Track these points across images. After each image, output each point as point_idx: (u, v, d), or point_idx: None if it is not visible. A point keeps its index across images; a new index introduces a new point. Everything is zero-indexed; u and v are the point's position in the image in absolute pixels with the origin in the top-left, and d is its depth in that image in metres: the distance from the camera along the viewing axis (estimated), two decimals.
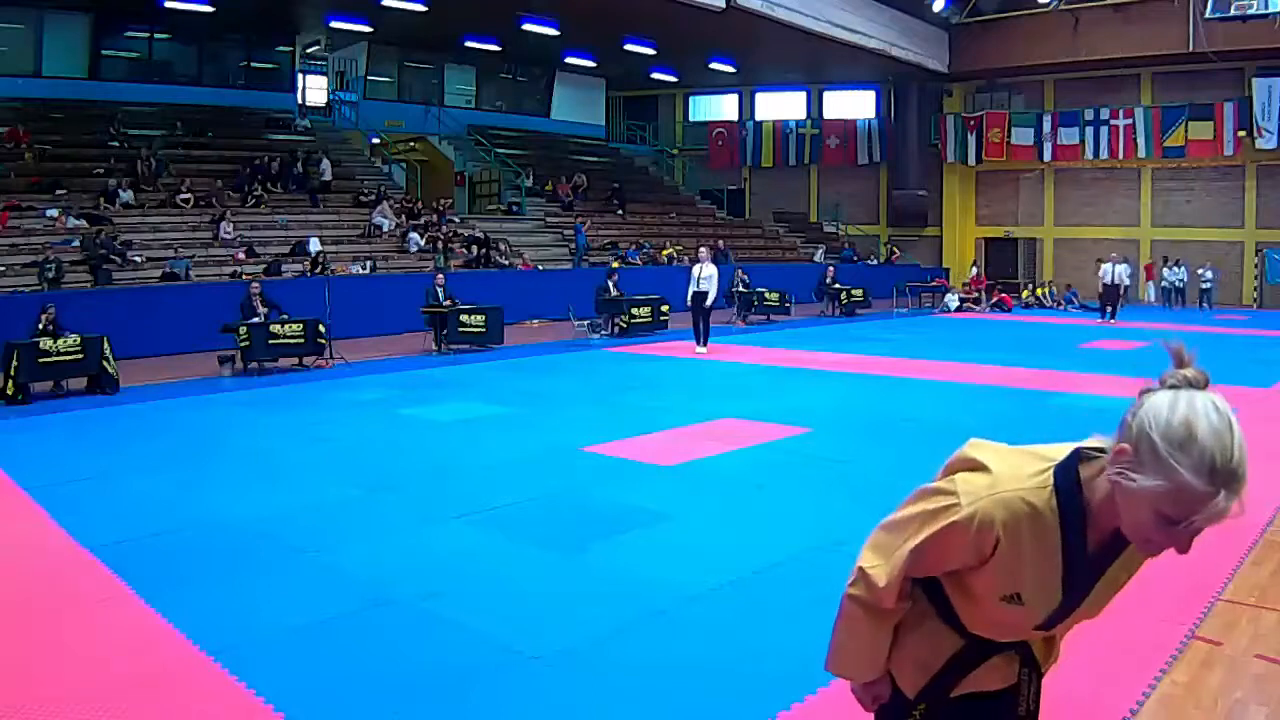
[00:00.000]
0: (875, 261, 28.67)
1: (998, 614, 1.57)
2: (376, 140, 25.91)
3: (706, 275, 14.54)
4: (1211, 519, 1.31)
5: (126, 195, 17.55)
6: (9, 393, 10.18)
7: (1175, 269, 24.78)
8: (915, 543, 1.54)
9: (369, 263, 18.29)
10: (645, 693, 3.52)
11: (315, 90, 26.20)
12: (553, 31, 22.81)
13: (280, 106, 23.45)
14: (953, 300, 24.21)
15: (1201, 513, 1.30)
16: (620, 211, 26.27)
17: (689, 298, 14.68)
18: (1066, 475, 1.45)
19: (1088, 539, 1.46)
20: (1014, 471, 1.48)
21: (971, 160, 28.15)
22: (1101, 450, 1.44)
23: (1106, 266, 20.67)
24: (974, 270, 26.49)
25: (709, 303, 14.46)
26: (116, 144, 19.15)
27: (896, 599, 1.60)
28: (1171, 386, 1.35)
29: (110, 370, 10.87)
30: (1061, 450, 1.50)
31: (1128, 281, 20.76)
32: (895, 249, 29.44)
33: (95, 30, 20.65)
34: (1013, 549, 1.45)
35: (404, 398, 10.45)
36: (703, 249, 16.10)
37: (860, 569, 1.62)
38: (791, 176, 32.13)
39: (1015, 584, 1.50)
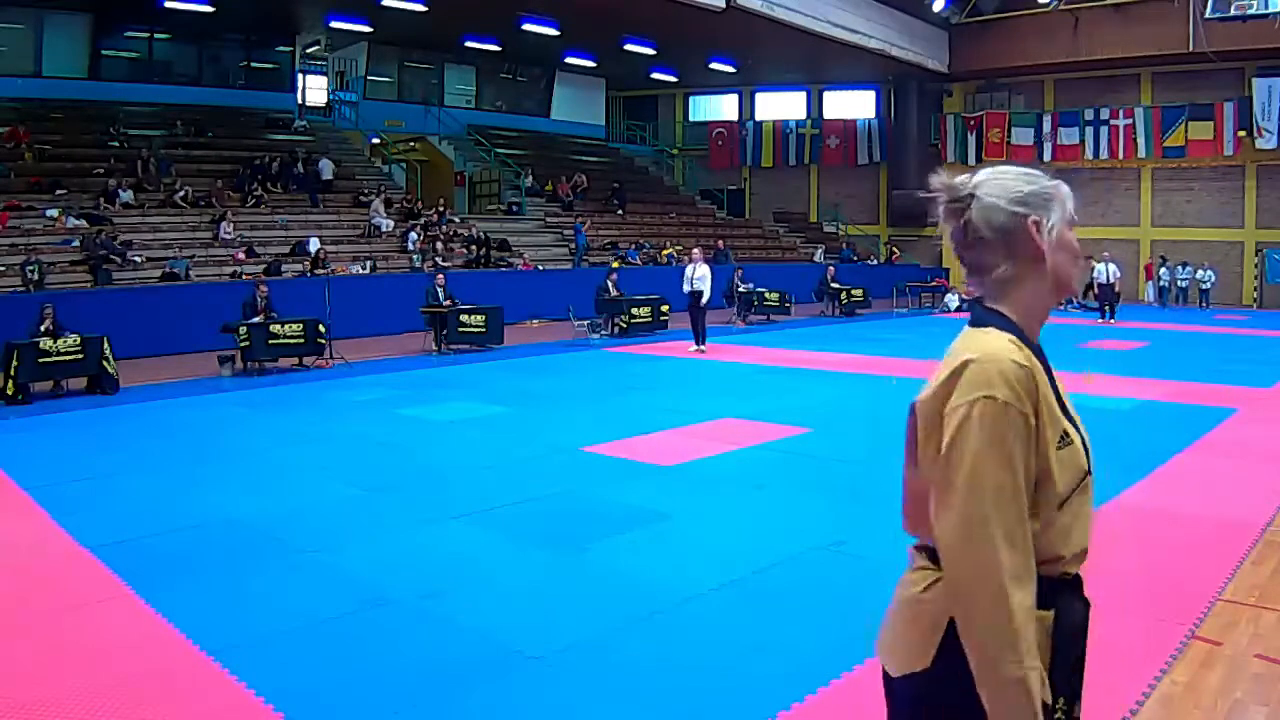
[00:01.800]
0: (875, 261, 28.66)
1: (1069, 476, 1.53)
2: (376, 140, 25.90)
3: (699, 275, 14.62)
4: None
5: (126, 195, 17.54)
6: (9, 393, 10.18)
7: (1172, 268, 24.73)
8: (998, 470, 1.46)
9: (369, 263, 18.29)
10: (645, 692, 3.52)
11: (315, 90, 26.19)
12: (553, 31, 22.81)
13: (280, 106, 23.44)
14: (953, 300, 24.19)
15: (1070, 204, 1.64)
16: (620, 211, 26.26)
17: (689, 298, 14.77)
18: (1005, 321, 1.61)
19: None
20: (991, 343, 1.57)
21: (971, 160, 28.10)
22: (992, 309, 1.63)
23: (1100, 266, 20.64)
24: None
25: (704, 302, 14.54)
26: (116, 144, 19.15)
27: (1028, 557, 1.47)
28: None
29: (110, 370, 10.87)
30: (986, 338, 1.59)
31: (1116, 277, 20.61)
32: (895, 249, 29.43)
33: (95, 30, 20.65)
34: (1037, 376, 1.56)
35: (404, 398, 10.45)
36: (696, 249, 16.18)
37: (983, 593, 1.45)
38: (791, 176, 32.12)
39: (1055, 420, 1.55)
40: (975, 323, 1.63)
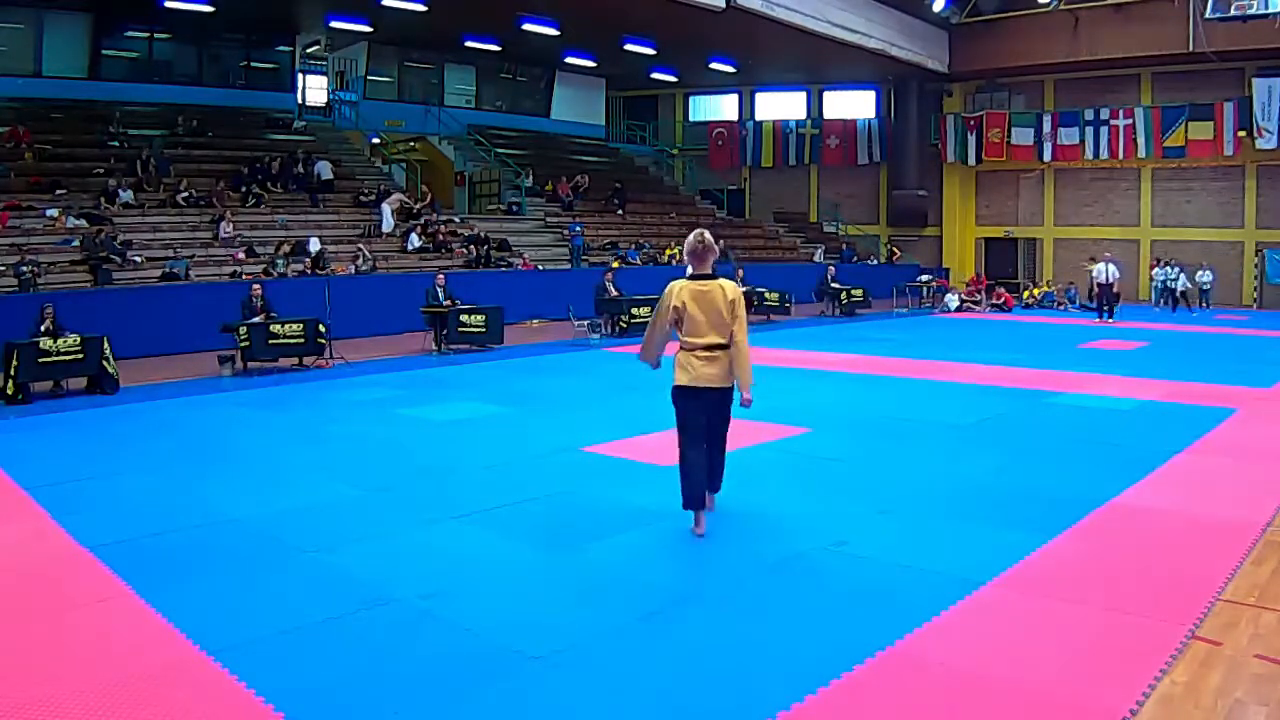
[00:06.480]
0: (875, 261, 28.67)
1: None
2: (376, 140, 25.89)
3: None
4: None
5: (126, 195, 17.54)
6: (9, 393, 10.18)
7: (1166, 268, 24.65)
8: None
9: (369, 263, 18.27)
10: (645, 693, 3.52)
11: (315, 90, 26.17)
12: (553, 31, 22.80)
13: (280, 106, 23.43)
14: (953, 300, 24.19)
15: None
16: (620, 211, 26.25)
17: None
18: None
19: None
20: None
21: (971, 160, 28.12)
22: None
23: (1099, 266, 20.60)
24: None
25: None
26: (116, 144, 19.13)
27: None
28: None
29: (110, 370, 10.87)
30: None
31: (1115, 279, 20.50)
32: (895, 249, 29.43)
33: (95, 30, 20.62)
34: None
35: (404, 398, 10.45)
36: None
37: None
38: (791, 176, 32.12)
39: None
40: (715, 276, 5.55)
